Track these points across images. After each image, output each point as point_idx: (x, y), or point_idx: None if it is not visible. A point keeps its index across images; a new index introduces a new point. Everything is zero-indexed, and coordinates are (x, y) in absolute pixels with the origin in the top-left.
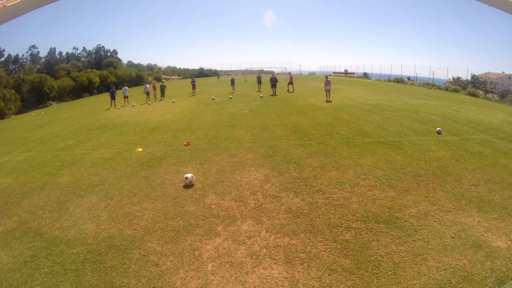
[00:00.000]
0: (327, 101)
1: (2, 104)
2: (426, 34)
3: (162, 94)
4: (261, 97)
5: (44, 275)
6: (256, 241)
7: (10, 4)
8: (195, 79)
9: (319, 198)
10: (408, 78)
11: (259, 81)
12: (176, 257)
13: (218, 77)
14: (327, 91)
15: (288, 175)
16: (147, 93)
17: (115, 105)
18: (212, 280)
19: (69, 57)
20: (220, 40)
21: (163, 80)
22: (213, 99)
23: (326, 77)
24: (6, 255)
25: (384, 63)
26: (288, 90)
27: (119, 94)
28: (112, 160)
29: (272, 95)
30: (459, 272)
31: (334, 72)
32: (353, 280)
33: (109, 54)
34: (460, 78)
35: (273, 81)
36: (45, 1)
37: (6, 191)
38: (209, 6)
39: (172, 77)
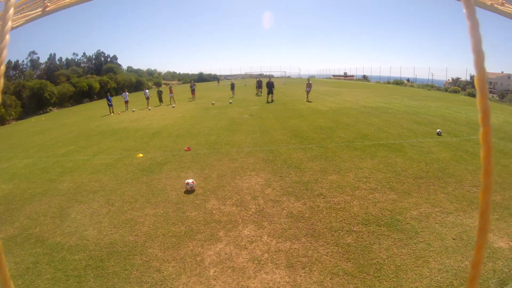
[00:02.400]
0: (308, 101)
1: (3, 110)
2: (424, 36)
3: (160, 99)
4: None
5: (46, 281)
6: (257, 246)
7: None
8: (195, 84)
9: (320, 202)
10: (408, 80)
11: (259, 85)
12: (178, 263)
13: (218, 82)
14: (308, 92)
15: (289, 179)
16: (147, 98)
17: (112, 111)
18: (214, 285)
19: (69, 62)
20: (220, 45)
21: (164, 86)
22: (213, 104)
23: (308, 79)
24: (8, 262)
25: (383, 66)
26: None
27: (118, 99)
28: (113, 166)
29: (268, 102)
30: (461, 274)
31: (333, 75)
32: (355, 284)
33: (109, 59)
34: (460, 78)
35: (270, 86)
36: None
37: (7, 197)
38: (208, 11)
39: (172, 82)
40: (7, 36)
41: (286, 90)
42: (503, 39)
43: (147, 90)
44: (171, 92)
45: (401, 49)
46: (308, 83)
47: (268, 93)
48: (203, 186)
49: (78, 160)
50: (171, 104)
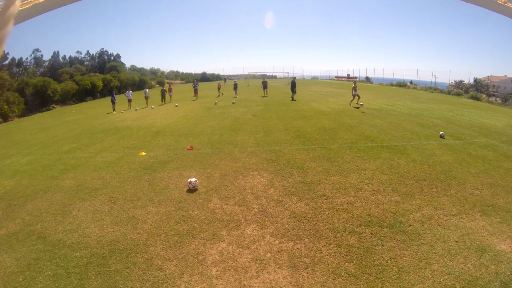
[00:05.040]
0: (361, 104)
1: (6, 107)
2: (428, 38)
3: (163, 98)
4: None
5: (47, 278)
6: (260, 246)
7: (25, 7)
8: (198, 83)
9: (323, 203)
10: (411, 82)
11: (264, 86)
12: (180, 261)
13: (225, 81)
14: (357, 96)
15: (292, 179)
16: (147, 98)
17: (114, 109)
18: (216, 284)
19: (73, 60)
20: (223, 45)
21: (167, 84)
22: (216, 103)
23: (355, 82)
24: (10, 258)
25: (387, 67)
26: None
27: (122, 98)
28: (115, 164)
29: (293, 100)
30: (463, 276)
31: (336, 77)
32: (358, 285)
33: (112, 58)
34: (463, 81)
35: (293, 86)
36: (56, 5)
37: (10, 194)
38: (212, 11)
39: (175, 81)
40: None
41: (289, 90)
42: (507, 42)
43: (147, 90)
44: (170, 91)
45: (404, 51)
46: (354, 86)
47: (292, 92)
48: (205, 185)
49: (81, 158)
50: (170, 102)
